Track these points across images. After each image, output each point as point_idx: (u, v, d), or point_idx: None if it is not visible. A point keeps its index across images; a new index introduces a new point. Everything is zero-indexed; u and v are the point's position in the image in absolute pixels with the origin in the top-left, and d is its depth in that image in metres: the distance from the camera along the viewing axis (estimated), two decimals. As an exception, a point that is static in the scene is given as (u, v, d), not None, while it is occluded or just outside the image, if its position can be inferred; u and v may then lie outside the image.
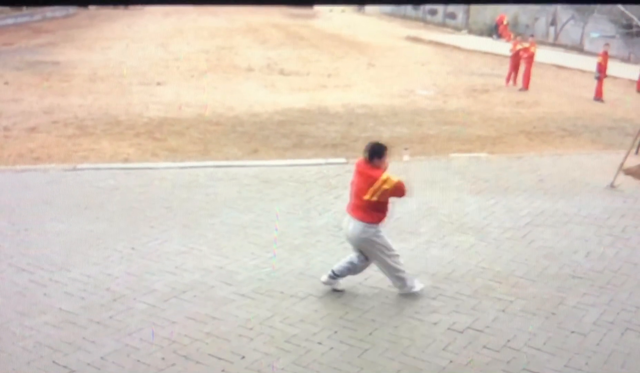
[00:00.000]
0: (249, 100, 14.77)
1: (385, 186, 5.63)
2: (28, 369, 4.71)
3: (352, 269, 5.91)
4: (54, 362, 4.80)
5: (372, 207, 5.68)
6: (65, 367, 4.75)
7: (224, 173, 9.24)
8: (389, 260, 5.80)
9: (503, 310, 5.75)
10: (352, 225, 5.76)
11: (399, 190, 5.69)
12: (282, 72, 18.70)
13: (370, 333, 5.33)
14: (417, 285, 5.95)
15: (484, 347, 5.20)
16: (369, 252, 5.81)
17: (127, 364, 4.82)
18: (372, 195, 5.64)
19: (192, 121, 12.77)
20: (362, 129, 12.67)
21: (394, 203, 5.94)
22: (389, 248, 5.80)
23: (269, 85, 16.83)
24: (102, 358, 4.87)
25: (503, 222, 7.68)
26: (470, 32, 31.18)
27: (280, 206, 8.04)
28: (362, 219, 5.70)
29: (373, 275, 6.26)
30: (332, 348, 5.13)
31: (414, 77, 18.62)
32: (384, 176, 5.67)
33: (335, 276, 5.90)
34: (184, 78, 17.38)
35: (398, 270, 5.84)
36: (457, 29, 32.33)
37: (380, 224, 5.76)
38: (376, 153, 5.77)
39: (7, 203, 7.81)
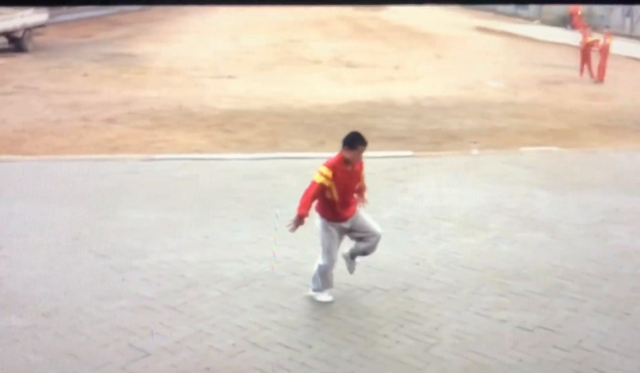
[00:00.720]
0: (316, 93, 14.89)
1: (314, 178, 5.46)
2: (105, 351, 4.93)
3: (360, 252, 5.79)
4: (130, 345, 5.02)
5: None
6: (141, 349, 4.96)
7: (292, 164, 9.38)
8: (319, 256, 5.68)
9: (575, 310, 5.64)
10: None
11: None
12: (349, 65, 18.73)
13: (436, 329, 5.33)
14: (323, 297, 5.72)
15: (554, 346, 5.12)
16: None
17: (200, 349, 5.00)
18: None
19: (261, 113, 12.99)
20: (428, 121, 12.58)
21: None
22: (322, 246, 5.62)
23: (336, 78, 16.90)
24: (176, 342, 5.07)
25: (575, 219, 7.51)
26: (543, 22, 30.30)
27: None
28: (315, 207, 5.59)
29: (439, 270, 6.26)
30: (397, 341, 5.16)
31: (483, 68, 18.29)
32: (321, 169, 5.47)
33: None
34: (254, 71, 17.67)
35: (317, 274, 5.69)
36: (529, 19, 31.48)
37: (324, 217, 5.57)
38: (346, 141, 5.54)
39: (86, 191, 8.18)
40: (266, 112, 13.14)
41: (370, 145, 10.65)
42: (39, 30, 22.82)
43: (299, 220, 5.39)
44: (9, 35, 21.08)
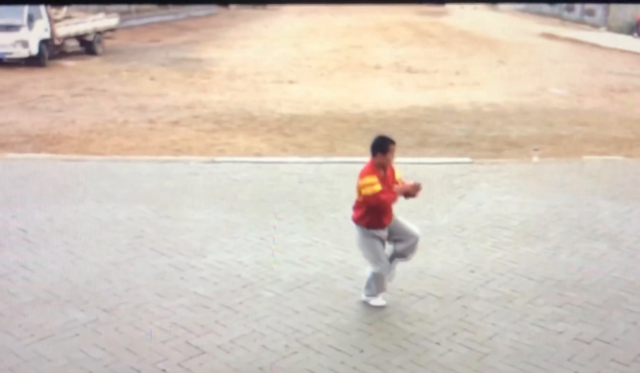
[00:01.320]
0: (375, 98, 14.90)
1: (362, 191, 5.40)
2: (163, 348, 5.07)
3: (398, 255, 5.72)
4: (187, 342, 5.15)
5: (357, 205, 5.54)
6: (197, 347, 5.08)
7: (348, 169, 9.40)
8: (369, 266, 5.65)
9: (634, 323, 5.47)
10: None
11: (370, 198, 5.39)
12: (409, 70, 18.66)
13: (491, 338, 5.26)
14: (377, 301, 5.70)
15: (612, 360, 4.98)
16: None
17: (253, 349, 5.10)
18: (358, 194, 5.47)
19: (320, 118, 13.10)
20: (489, 128, 12.41)
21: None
22: (370, 254, 5.58)
23: (395, 83, 16.87)
24: (231, 341, 5.18)
25: (639, 230, 7.26)
26: (610, 29, 29.40)
27: (401, 203, 8.07)
28: (352, 217, 5.58)
29: (496, 278, 6.18)
30: (450, 349, 5.12)
31: (547, 75, 17.90)
32: (367, 180, 5.37)
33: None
34: (315, 76, 17.82)
35: (370, 280, 5.68)
36: (595, 26, 30.60)
37: (365, 226, 5.52)
38: (376, 147, 5.44)
39: (150, 191, 8.45)
40: (325, 116, 13.24)
41: (428, 150, 10.76)
42: (110, 34, 23.67)
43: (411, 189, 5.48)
44: (80, 38, 21.95)
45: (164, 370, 4.81)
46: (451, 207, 7.98)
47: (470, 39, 25.50)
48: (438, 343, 5.19)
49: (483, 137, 11.63)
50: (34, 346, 5.05)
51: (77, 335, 5.23)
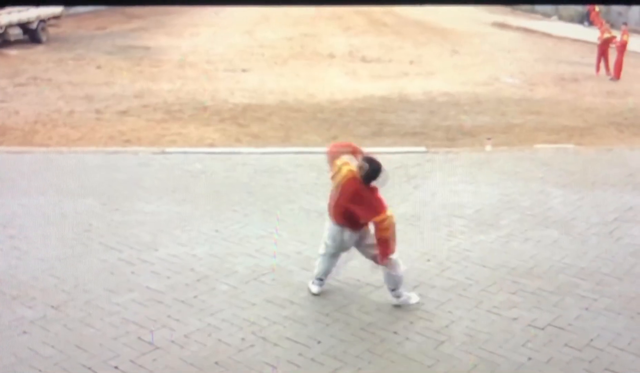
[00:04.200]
0: (330, 88, 14.84)
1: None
2: (115, 344, 4.95)
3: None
4: (139, 338, 5.03)
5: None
6: (150, 343, 4.97)
7: (304, 159, 9.34)
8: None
9: (586, 308, 5.57)
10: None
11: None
12: (363, 60, 18.66)
13: (447, 326, 5.29)
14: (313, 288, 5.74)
15: (566, 345, 5.06)
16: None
17: (209, 343, 5.00)
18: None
19: (274, 108, 12.98)
20: (443, 117, 12.51)
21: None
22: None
23: (350, 73, 16.84)
24: (185, 336, 5.07)
25: (589, 217, 7.41)
26: (561, 18, 30.00)
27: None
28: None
29: (451, 267, 6.21)
30: (407, 338, 5.13)
31: (499, 64, 18.16)
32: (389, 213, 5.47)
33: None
34: (268, 65, 17.64)
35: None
36: (547, 15, 31.18)
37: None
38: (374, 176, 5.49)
39: (98, 183, 8.20)
40: (279, 106, 13.12)
41: (383, 140, 10.77)
42: (54, 21, 22.90)
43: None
44: (23, 26, 21.20)
45: (116, 367, 4.69)
46: (407, 197, 7.99)
47: (423, 28, 25.66)
48: (395, 333, 5.20)
49: (437, 127, 11.71)
50: (-22, 345, 4.85)
51: (25, 332, 5.07)
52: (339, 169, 5.60)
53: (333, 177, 5.67)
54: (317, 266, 5.72)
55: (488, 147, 10.30)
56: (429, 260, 6.35)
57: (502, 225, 7.20)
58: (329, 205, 5.65)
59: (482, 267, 6.24)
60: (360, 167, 5.48)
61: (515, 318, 5.41)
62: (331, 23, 26.57)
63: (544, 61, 19.01)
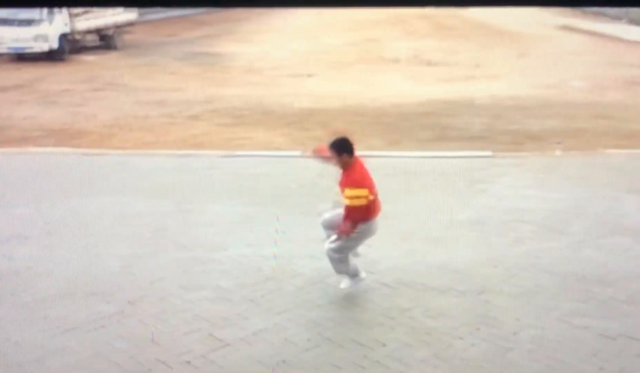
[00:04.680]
0: (393, 92, 14.84)
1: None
2: (187, 340, 5.11)
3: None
4: (210, 334, 5.17)
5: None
6: (220, 340, 5.11)
7: (367, 163, 9.38)
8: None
9: (661, 319, 5.41)
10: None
11: None
12: (428, 63, 18.56)
13: (515, 333, 5.23)
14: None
15: (637, 355, 4.93)
16: None
17: (276, 341, 5.11)
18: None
19: (338, 112, 13.08)
20: (509, 121, 12.31)
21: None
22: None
23: (414, 77, 16.79)
24: (253, 334, 5.19)
25: (664, 225, 7.18)
26: (631, 21, 28.98)
27: (422, 198, 8.06)
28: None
29: (518, 273, 6.13)
30: (473, 344, 5.09)
31: (568, 68, 17.70)
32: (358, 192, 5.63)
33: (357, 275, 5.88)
34: (332, 70, 17.78)
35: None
36: (617, 18, 30.17)
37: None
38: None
39: (171, 185, 8.49)
40: (342, 110, 13.21)
41: (447, 144, 10.68)
42: (128, 28, 23.77)
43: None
44: (100, 32, 22.07)
45: (188, 362, 4.85)
46: (472, 202, 7.94)
47: (489, 31, 25.29)
48: (461, 338, 5.16)
49: (504, 131, 11.53)
50: (60, 338, 5.11)
51: (103, 327, 5.29)
52: None
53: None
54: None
55: (558, 152, 10.09)
56: (495, 266, 6.29)
57: (572, 231, 7.05)
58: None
59: (551, 274, 6.13)
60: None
61: (585, 327, 5.30)
62: (395, 28, 26.52)
63: (614, 65, 18.42)
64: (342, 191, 5.59)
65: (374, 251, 6.53)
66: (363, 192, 5.51)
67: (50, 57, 19.70)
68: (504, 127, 11.80)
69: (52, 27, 19.69)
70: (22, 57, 19.90)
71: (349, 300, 5.70)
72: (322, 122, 12.36)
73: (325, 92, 14.83)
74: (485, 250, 6.62)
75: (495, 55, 19.76)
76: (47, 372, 4.72)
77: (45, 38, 19.58)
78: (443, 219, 7.44)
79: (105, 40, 22.27)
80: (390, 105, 13.62)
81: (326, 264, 6.28)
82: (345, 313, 5.51)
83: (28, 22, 19.37)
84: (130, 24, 23.83)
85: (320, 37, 23.93)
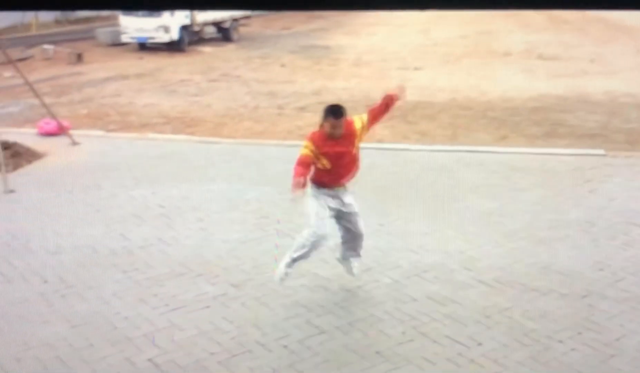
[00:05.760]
0: (503, 86, 14.47)
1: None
2: (285, 325, 5.29)
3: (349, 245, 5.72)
4: (307, 321, 5.34)
5: None
6: (317, 327, 5.26)
7: (472, 158, 9.27)
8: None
9: None
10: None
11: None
12: (541, 57, 17.92)
13: (617, 339, 5.04)
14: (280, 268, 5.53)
15: None
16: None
17: (371, 332, 5.21)
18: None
19: (444, 105, 12.94)
20: (625, 119, 11.70)
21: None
22: (311, 213, 5.48)
23: (525, 71, 16.27)
24: (349, 324, 5.32)
25: None
26: None
27: (527, 196, 7.87)
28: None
29: (626, 278, 5.89)
30: (573, 349, 4.96)
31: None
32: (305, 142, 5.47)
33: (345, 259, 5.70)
34: (441, 63, 17.57)
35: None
36: None
37: (313, 183, 5.53)
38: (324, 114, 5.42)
39: (277, 173, 8.74)
40: (449, 104, 13.05)
41: (557, 141, 10.32)
42: (245, 21, 24.50)
43: (297, 183, 5.22)
44: (217, 25, 22.92)
45: (285, 346, 5.04)
46: (581, 201, 7.66)
47: (606, 25, 23.97)
48: (561, 342, 5.04)
49: (618, 129, 10.98)
50: (168, 315, 5.46)
51: (208, 307, 5.59)
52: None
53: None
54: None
55: (677, 153, 9.50)
56: (601, 270, 6.07)
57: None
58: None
59: (661, 281, 5.84)
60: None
61: (698, 338, 5.03)
62: (509, 20, 25.72)
63: None
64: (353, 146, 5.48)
65: (473, 248, 6.49)
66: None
67: (171, 47, 20.65)
68: (619, 126, 11.23)
69: (173, 18, 20.59)
70: (144, 47, 21.04)
71: (445, 296, 5.69)
72: (427, 115, 12.28)
73: (433, 85, 14.70)
74: (592, 253, 6.39)
75: (612, 51, 18.74)
76: (154, 347, 5.04)
77: (167, 29, 20.53)
78: (549, 218, 7.24)
79: (222, 33, 23.07)
80: (500, 100, 13.30)
81: (422, 258, 6.32)
82: (441, 309, 5.50)
83: (151, 13, 20.35)
84: (247, 16, 24.55)
85: (432, 30, 23.64)
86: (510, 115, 12.14)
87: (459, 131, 11.20)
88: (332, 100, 13.49)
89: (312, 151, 5.39)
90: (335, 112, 5.38)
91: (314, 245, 5.48)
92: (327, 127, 5.37)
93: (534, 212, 7.42)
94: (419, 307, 5.53)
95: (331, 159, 5.40)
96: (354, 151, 5.54)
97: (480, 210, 7.44)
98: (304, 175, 5.30)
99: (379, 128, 11.40)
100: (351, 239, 5.71)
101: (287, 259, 5.55)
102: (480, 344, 5.02)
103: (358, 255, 5.82)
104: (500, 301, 5.60)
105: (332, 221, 5.57)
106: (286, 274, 5.53)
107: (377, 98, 14.22)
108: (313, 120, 12.01)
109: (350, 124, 5.50)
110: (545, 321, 5.31)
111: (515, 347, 4.98)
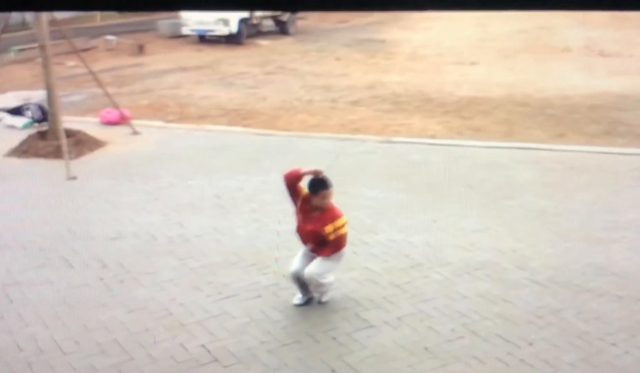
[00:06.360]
0: (561, 82, 14.14)
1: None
2: (334, 317, 5.37)
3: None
4: (356, 314, 5.38)
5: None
6: (365, 320, 5.30)
7: (527, 155, 9.13)
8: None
9: None
10: None
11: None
12: (601, 54, 17.41)
13: (674, 345, 4.93)
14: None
15: None
16: None
17: (420, 328, 5.21)
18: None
19: (500, 101, 12.74)
20: (691, 119, 11.29)
21: None
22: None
23: (585, 68, 15.84)
24: (398, 319, 5.34)
25: None
26: None
27: (584, 195, 7.71)
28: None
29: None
30: (627, 352, 4.86)
31: None
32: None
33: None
34: (498, 58, 17.29)
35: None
36: None
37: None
38: (308, 188, 5.42)
39: (328, 167, 8.76)
40: (505, 100, 12.85)
41: (617, 140, 10.06)
42: (302, 14, 24.57)
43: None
44: (275, 18, 23.09)
45: (334, 338, 5.11)
46: (638, 202, 7.45)
47: (677, 19, 23.06)
48: (614, 345, 4.95)
49: (682, 129, 10.62)
50: (221, 303, 5.60)
51: (259, 296, 5.71)
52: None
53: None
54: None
55: None
56: (659, 274, 5.92)
57: None
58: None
59: None
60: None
61: None
62: (569, 15, 25.02)
63: None
64: (321, 229, 5.41)
65: (527, 248, 6.41)
66: (345, 219, 5.47)
67: (229, 40, 20.90)
68: (684, 125, 10.85)
69: (233, 11, 20.84)
70: (203, 39, 21.38)
71: (496, 295, 5.65)
72: (482, 111, 12.13)
73: (489, 81, 14.48)
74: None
75: (680, 47, 18.06)
76: (206, 333, 5.18)
77: (226, 22, 20.78)
78: (606, 219, 7.09)
79: (280, 26, 23.23)
80: (557, 97, 13.02)
81: (474, 256, 6.28)
82: (492, 307, 5.46)
83: None
84: (305, 10, 24.63)
85: (488, 24, 23.21)
86: (567, 112, 11.88)
87: (515, 128, 11.03)
88: (385, 94, 13.59)
89: (301, 190, 5.54)
90: (325, 183, 5.43)
91: (293, 281, 5.59)
92: (315, 200, 5.42)
93: (590, 211, 7.27)
94: (470, 304, 5.51)
95: (298, 219, 5.54)
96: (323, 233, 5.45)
97: (534, 209, 7.34)
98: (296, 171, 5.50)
99: (432, 123, 11.39)
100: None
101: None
102: (531, 344, 4.97)
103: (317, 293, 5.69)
104: (553, 302, 5.53)
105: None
106: (299, 299, 5.63)
107: (431, 93, 14.24)
108: (366, 114, 12.13)
109: (332, 210, 5.49)
110: (599, 323, 5.22)
111: (567, 349, 4.91)
